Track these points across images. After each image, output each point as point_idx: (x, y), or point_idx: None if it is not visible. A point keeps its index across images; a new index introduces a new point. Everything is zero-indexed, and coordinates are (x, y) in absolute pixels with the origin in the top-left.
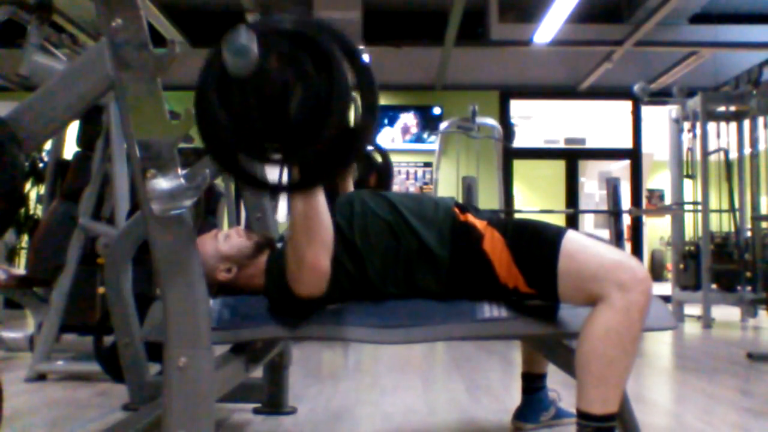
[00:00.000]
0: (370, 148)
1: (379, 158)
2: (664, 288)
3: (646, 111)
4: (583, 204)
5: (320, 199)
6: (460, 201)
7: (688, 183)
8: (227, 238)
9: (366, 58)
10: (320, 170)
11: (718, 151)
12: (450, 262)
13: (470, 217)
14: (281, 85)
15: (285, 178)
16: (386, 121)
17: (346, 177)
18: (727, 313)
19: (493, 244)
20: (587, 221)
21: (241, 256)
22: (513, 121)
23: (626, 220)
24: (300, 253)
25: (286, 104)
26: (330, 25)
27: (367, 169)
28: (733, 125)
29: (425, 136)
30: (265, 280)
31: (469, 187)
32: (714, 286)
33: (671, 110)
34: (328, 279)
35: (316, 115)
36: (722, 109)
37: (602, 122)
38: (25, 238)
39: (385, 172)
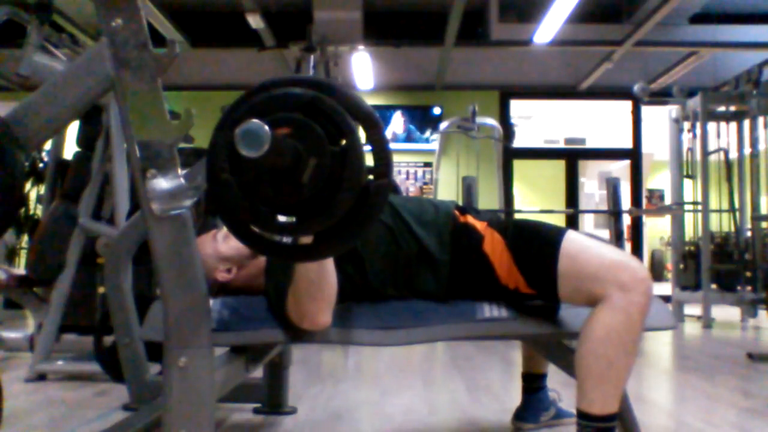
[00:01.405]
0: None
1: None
2: (664, 288)
3: (646, 111)
4: (583, 204)
5: (329, 263)
6: (460, 201)
7: (688, 183)
8: (227, 239)
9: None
10: (335, 237)
11: (718, 151)
12: (450, 265)
13: (470, 219)
14: (293, 157)
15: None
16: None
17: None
18: (727, 313)
19: (494, 245)
20: (587, 221)
21: (240, 256)
22: (513, 121)
23: (626, 220)
24: (302, 308)
25: (299, 175)
26: (341, 89)
27: None
28: (733, 125)
29: (425, 135)
30: (265, 282)
31: (469, 187)
32: (714, 286)
33: (671, 110)
34: (329, 325)
35: (329, 185)
36: (722, 109)
37: (602, 122)
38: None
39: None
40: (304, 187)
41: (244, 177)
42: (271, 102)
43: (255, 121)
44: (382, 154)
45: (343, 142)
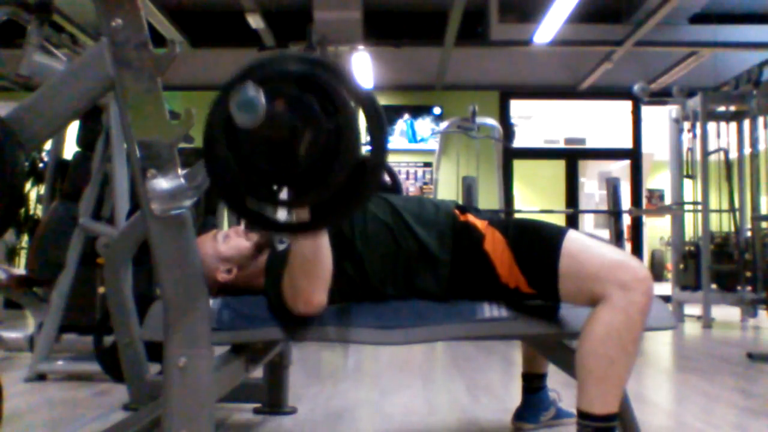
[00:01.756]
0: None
1: (386, 177)
2: (664, 288)
3: (646, 111)
4: (583, 204)
5: (324, 242)
6: (460, 201)
7: (688, 183)
8: (226, 239)
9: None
10: (330, 211)
11: (718, 151)
12: (451, 264)
13: (471, 218)
14: (289, 129)
15: (294, 219)
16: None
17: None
18: (727, 313)
19: (494, 244)
20: (587, 221)
21: (240, 256)
22: (513, 121)
23: (626, 220)
24: (297, 288)
25: (295, 148)
26: (336, 65)
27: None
28: (733, 125)
29: (425, 136)
30: (264, 280)
31: (469, 187)
32: (714, 286)
33: (671, 110)
34: (323, 309)
35: (324, 158)
36: (722, 109)
37: (602, 122)
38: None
39: (392, 191)
40: (299, 159)
41: (240, 150)
42: (267, 75)
43: (250, 85)
44: (378, 132)
45: (339, 116)
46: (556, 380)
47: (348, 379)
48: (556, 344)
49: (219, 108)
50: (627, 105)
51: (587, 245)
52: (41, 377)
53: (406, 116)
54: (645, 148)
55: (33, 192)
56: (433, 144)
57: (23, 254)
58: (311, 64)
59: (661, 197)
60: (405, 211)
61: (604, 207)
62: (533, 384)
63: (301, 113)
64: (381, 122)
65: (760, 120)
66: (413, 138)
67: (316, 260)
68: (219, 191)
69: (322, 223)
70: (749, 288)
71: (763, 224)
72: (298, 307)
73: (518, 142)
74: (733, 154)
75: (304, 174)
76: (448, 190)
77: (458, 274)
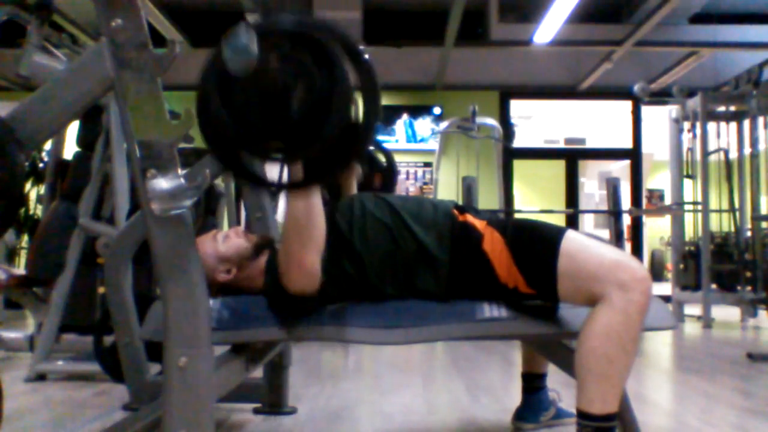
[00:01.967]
0: (373, 148)
1: (383, 159)
2: (664, 288)
3: (646, 111)
4: (583, 204)
5: (317, 201)
6: (460, 201)
7: (688, 183)
8: (226, 239)
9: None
10: (322, 168)
11: (718, 151)
12: (450, 264)
13: (469, 218)
14: (282, 83)
15: (286, 176)
16: (386, 122)
17: (349, 177)
18: (727, 313)
19: (493, 244)
20: (587, 221)
21: (240, 257)
22: (513, 121)
23: (626, 220)
24: (290, 251)
25: (288, 103)
26: (330, 24)
27: (371, 171)
28: (733, 125)
29: (425, 135)
30: (264, 280)
31: (469, 187)
32: (714, 286)
33: (671, 110)
34: (317, 277)
35: (317, 113)
36: (722, 109)
37: (602, 122)
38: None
39: (389, 174)
40: (292, 113)
41: (233, 104)
42: (262, 30)
43: (244, 29)
44: (370, 92)
45: (331, 74)
46: (556, 380)
47: (348, 379)
48: (556, 344)
49: (213, 62)
50: (627, 105)
51: (586, 245)
52: (41, 377)
53: (406, 116)
54: (645, 148)
55: (33, 192)
56: (433, 144)
57: (23, 254)
58: (306, 22)
59: (661, 197)
60: (404, 210)
61: (604, 207)
62: (533, 384)
63: (294, 68)
64: (373, 82)
65: (760, 120)
66: (413, 138)
67: (308, 222)
68: (212, 147)
69: (315, 181)
70: (749, 288)
71: (763, 224)
72: (291, 274)
73: (518, 142)
74: (733, 154)
75: (296, 128)
76: (448, 190)
77: (457, 274)
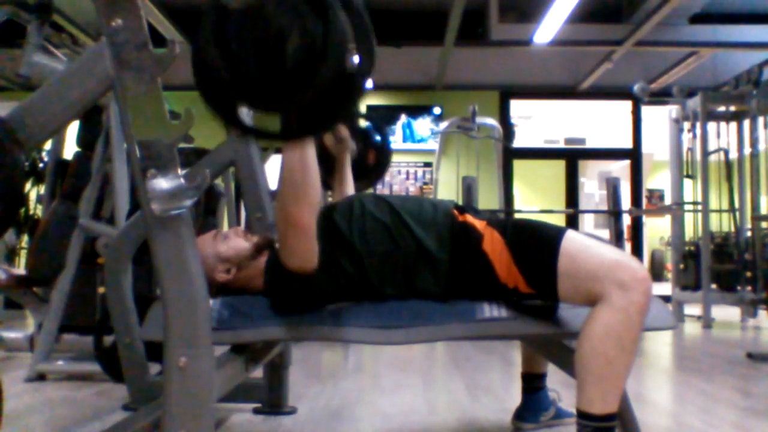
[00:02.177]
0: (368, 125)
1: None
2: (664, 288)
3: (646, 111)
4: (583, 204)
5: (311, 157)
6: (460, 201)
7: (688, 183)
8: (226, 239)
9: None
10: (317, 118)
11: (718, 151)
12: (450, 264)
13: (469, 218)
14: (277, 29)
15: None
16: (387, 122)
17: (343, 152)
18: (727, 313)
19: (493, 244)
20: (587, 221)
21: (239, 257)
22: (513, 121)
23: (626, 220)
24: (285, 210)
25: (283, 49)
26: None
27: (365, 148)
28: (733, 125)
29: (425, 135)
30: (264, 279)
31: (469, 187)
32: (714, 286)
33: (671, 110)
34: (314, 242)
35: (312, 60)
36: (722, 109)
37: (602, 122)
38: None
39: (383, 151)
40: (287, 59)
41: (228, 51)
42: None
43: None
44: (365, 40)
45: (327, 20)
46: (556, 380)
47: (348, 379)
48: (556, 344)
49: (210, 9)
50: (627, 105)
51: (586, 245)
52: (41, 377)
53: (406, 116)
54: (645, 148)
55: (33, 192)
56: (433, 144)
57: (23, 254)
58: None
59: (661, 197)
60: (403, 210)
61: (604, 207)
62: (533, 384)
63: (289, 13)
64: (368, 31)
65: (760, 120)
66: (413, 138)
67: (303, 179)
68: (206, 96)
69: (309, 130)
70: (749, 288)
71: (763, 224)
72: (288, 233)
73: (518, 142)
74: (733, 154)
75: (291, 75)
76: (448, 190)
77: (457, 274)
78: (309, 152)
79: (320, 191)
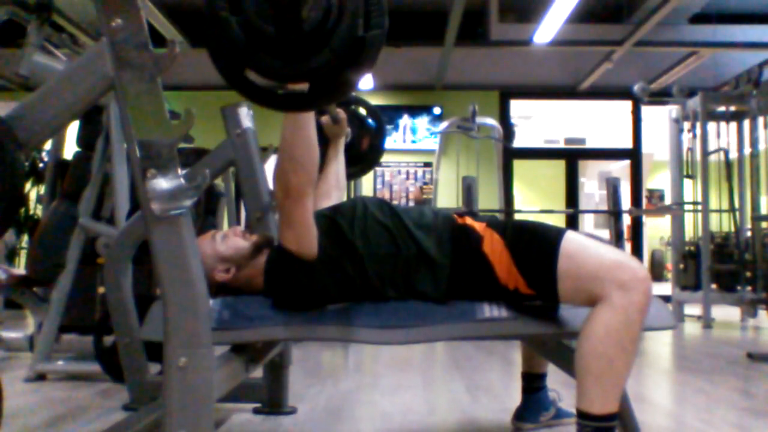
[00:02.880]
0: (362, 111)
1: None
2: (664, 288)
3: (646, 111)
4: (583, 204)
5: (310, 129)
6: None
7: (688, 183)
8: (225, 239)
9: None
10: (328, 86)
11: (718, 151)
12: (450, 267)
13: (468, 220)
14: None
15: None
16: (387, 122)
17: (338, 137)
18: (727, 313)
19: (493, 245)
20: (587, 221)
21: (239, 256)
22: (513, 121)
23: (626, 220)
24: (284, 179)
25: (299, 10)
26: None
27: (360, 133)
28: (733, 125)
29: (425, 136)
30: (264, 278)
31: (469, 187)
32: (714, 286)
33: (671, 110)
34: (312, 222)
35: (326, 24)
36: (722, 109)
37: (602, 122)
38: (25, 238)
39: (377, 136)
40: (303, 22)
41: (243, 11)
42: None
43: None
44: (378, 5)
45: None
46: (556, 380)
47: (348, 379)
48: (556, 344)
49: None
50: (627, 105)
51: (585, 245)
52: (41, 377)
53: (406, 116)
54: (645, 148)
55: (33, 192)
56: (433, 144)
57: (23, 254)
58: None
59: (661, 197)
60: (405, 214)
61: (604, 207)
62: (533, 384)
63: None
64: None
65: (760, 120)
66: (413, 138)
67: (303, 147)
68: (217, 59)
69: (320, 97)
70: (749, 288)
71: (763, 224)
72: (287, 202)
73: (518, 142)
74: (733, 154)
75: (307, 38)
76: (448, 190)
77: (458, 276)
78: (310, 126)
79: (318, 164)
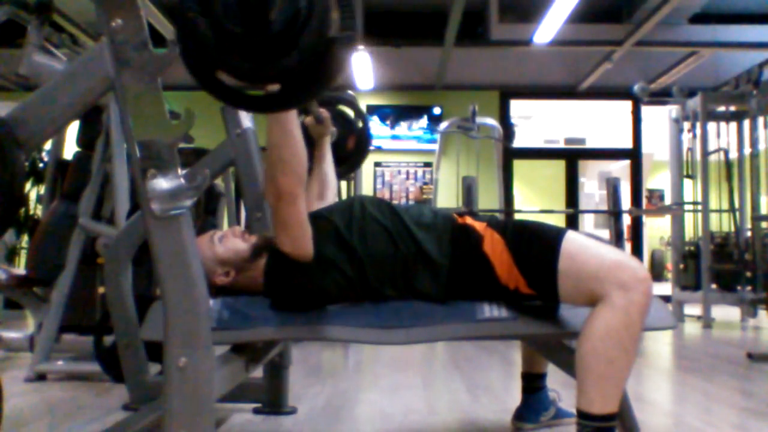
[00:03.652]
0: (349, 111)
1: (359, 123)
2: (664, 288)
3: (646, 111)
4: (583, 204)
5: (295, 129)
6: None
7: (688, 183)
8: (224, 240)
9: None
10: (300, 87)
11: (718, 151)
12: (450, 267)
13: (469, 220)
14: None
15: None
16: (387, 122)
17: (323, 137)
18: (727, 313)
19: (493, 245)
20: (587, 221)
21: (238, 258)
22: (513, 121)
23: (626, 220)
24: (274, 181)
25: (267, 12)
26: None
27: (345, 133)
28: (733, 125)
29: (425, 136)
30: (264, 283)
31: (469, 187)
32: (714, 286)
33: (671, 110)
34: (306, 221)
35: (295, 25)
36: (722, 109)
37: (602, 122)
38: (25, 238)
39: (363, 136)
40: (271, 23)
41: (213, 12)
42: None
43: None
44: (348, 8)
45: None
46: (556, 380)
47: (348, 379)
48: (556, 344)
49: None
50: (627, 105)
51: (586, 245)
52: (41, 377)
53: (406, 116)
54: (645, 148)
55: (33, 192)
56: (433, 144)
57: (23, 254)
58: None
59: (661, 197)
60: (404, 213)
61: (604, 207)
62: (533, 384)
63: None
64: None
65: (760, 120)
66: (413, 138)
67: (289, 147)
68: (187, 60)
69: (292, 98)
70: (749, 288)
71: (763, 224)
72: (280, 204)
73: (518, 142)
74: (733, 154)
75: (275, 39)
76: (448, 190)
77: (458, 276)
78: (294, 126)
79: (306, 164)
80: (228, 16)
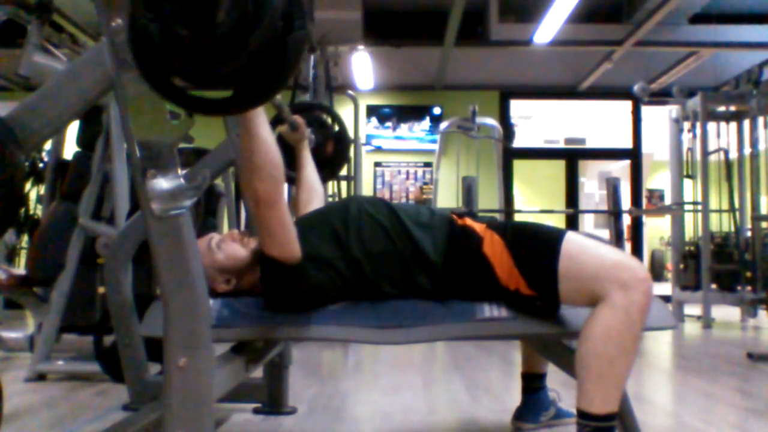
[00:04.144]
0: (326, 117)
1: (336, 127)
2: (664, 288)
3: (646, 111)
4: (583, 204)
5: (263, 132)
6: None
7: (688, 183)
8: (222, 245)
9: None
10: (253, 88)
11: (718, 151)
12: (444, 264)
13: (468, 221)
14: None
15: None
16: (387, 122)
17: (301, 142)
18: (727, 313)
19: (493, 246)
20: (587, 221)
21: (238, 266)
22: (513, 121)
23: (626, 220)
24: (252, 188)
25: (213, 15)
26: None
27: (323, 138)
28: (733, 125)
29: (425, 136)
30: (264, 285)
31: (469, 187)
32: (714, 286)
33: (671, 110)
34: (290, 224)
35: (243, 27)
36: (722, 109)
37: (602, 122)
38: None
39: (341, 140)
40: (218, 26)
41: (161, 15)
42: None
43: None
44: (298, 7)
45: None
46: (556, 380)
47: (348, 379)
48: (556, 344)
49: None
50: (627, 105)
51: (586, 246)
52: (41, 377)
53: (406, 116)
54: (645, 148)
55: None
56: (433, 144)
57: (23, 254)
58: None
59: (661, 197)
60: (402, 212)
61: (604, 207)
62: (533, 384)
63: None
64: None
65: (760, 120)
66: (413, 138)
67: (261, 152)
68: (141, 64)
69: (245, 100)
70: (749, 288)
71: (763, 224)
72: (260, 208)
73: (518, 142)
74: (733, 154)
75: (222, 42)
76: (448, 190)
77: (458, 276)
78: (261, 130)
79: (282, 167)
80: (176, 20)
